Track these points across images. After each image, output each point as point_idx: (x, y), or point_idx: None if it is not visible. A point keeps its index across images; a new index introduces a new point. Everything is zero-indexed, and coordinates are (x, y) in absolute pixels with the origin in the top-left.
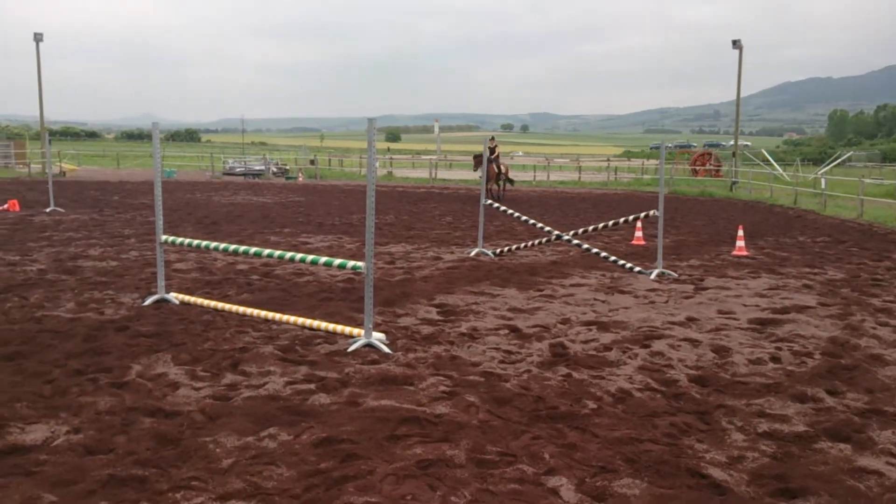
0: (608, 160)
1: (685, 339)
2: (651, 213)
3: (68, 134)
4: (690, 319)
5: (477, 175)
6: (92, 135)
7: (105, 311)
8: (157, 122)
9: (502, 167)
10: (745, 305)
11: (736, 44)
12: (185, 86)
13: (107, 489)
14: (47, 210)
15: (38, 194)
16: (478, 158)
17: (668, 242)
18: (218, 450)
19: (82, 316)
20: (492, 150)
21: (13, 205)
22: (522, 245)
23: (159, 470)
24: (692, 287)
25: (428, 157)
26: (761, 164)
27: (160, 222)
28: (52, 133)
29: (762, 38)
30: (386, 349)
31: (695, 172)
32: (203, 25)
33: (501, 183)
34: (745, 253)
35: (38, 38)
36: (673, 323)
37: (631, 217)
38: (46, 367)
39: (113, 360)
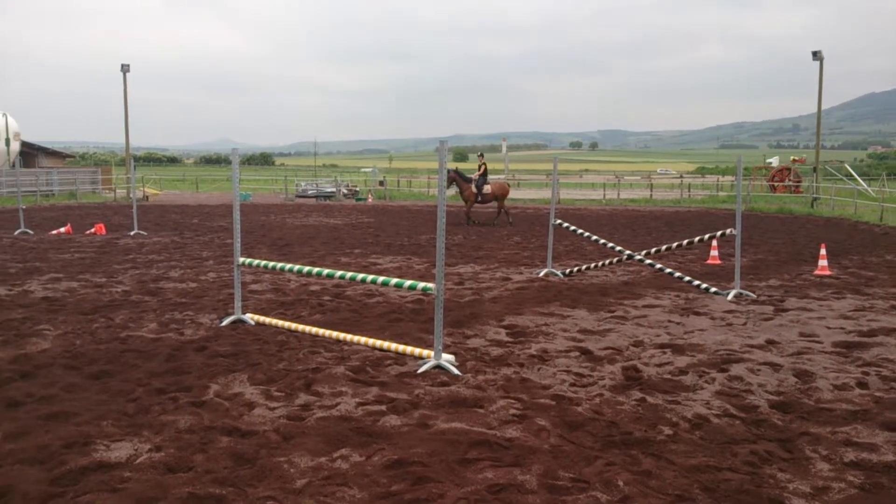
0: (681, 177)
1: (765, 363)
2: (728, 231)
3: (151, 160)
4: (770, 342)
5: (452, 192)
6: (172, 160)
7: (185, 331)
8: (237, 148)
9: (487, 187)
10: (828, 328)
11: (816, 55)
12: (259, 111)
13: None
14: (131, 233)
15: (123, 218)
16: (450, 175)
17: (746, 262)
18: (292, 470)
19: (164, 336)
20: (485, 168)
21: (100, 228)
22: (592, 265)
23: (236, 489)
24: (772, 308)
25: (495, 176)
26: (844, 178)
27: (238, 245)
28: (136, 159)
29: (844, 48)
30: (455, 371)
31: (773, 188)
32: (276, 52)
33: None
34: (828, 272)
35: (125, 68)
36: (752, 346)
37: (706, 236)
38: (130, 386)
39: (192, 379)
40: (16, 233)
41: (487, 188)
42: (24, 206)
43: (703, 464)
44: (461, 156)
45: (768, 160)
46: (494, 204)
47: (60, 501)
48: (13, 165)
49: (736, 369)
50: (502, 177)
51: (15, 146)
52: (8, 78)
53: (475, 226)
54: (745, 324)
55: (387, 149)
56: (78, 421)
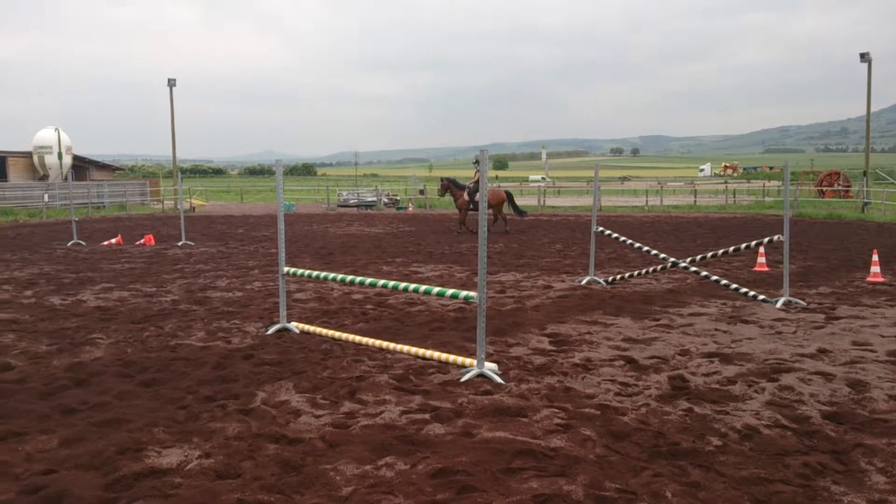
0: (725, 182)
1: (817, 373)
2: (776, 237)
3: (197, 171)
4: (822, 351)
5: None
6: (218, 171)
7: (232, 339)
8: (281, 159)
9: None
10: (882, 336)
11: (864, 57)
12: (301, 122)
13: None
14: (179, 244)
15: (171, 229)
16: (444, 183)
17: (795, 269)
18: (338, 477)
19: (212, 344)
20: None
21: (149, 239)
22: (636, 272)
23: (284, 496)
24: (823, 316)
25: (536, 183)
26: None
27: (282, 255)
28: (183, 171)
29: (893, 49)
30: (498, 379)
31: (822, 193)
32: (317, 63)
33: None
34: (881, 279)
35: (171, 83)
36: (803, 355)
37: (753, 242)
38: (180, 394)
39: (240, 387)
40: (69, 244)
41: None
42: (76, 218)
43: (754, 475)
44: (501, 164)
45: (700, 168)
46: (499, 212)
47: None
48: (66, 178)
49: (786, 379)
50: (543, 184)
51: (67, 160)
52: (59, 92)
53: (472, 234)
54: (795, 332)
55: (426, 157)
56: (130, 427)
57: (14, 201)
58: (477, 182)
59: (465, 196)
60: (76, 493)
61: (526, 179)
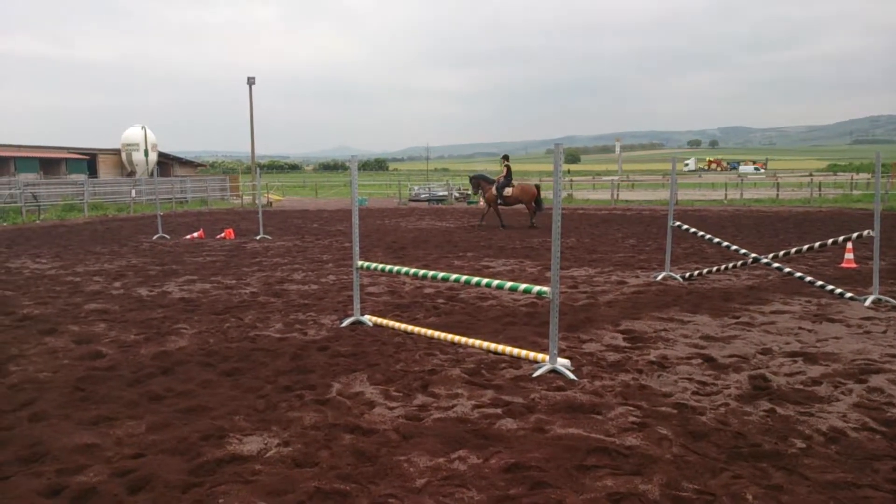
0: (811, 175)
1: None
2: (866, 232)
3: (273, 167)
4: None
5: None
6: (294, 167)
7: (308, 331)
8: (356, 155)
9: (508, 189)
10: None
11: None
12: (374, 117)
13: (313, 501)
14: (257, 238)
15: (250, 223)
16: (474, 180)
17: (886, 265)
18: (412, 469)
19: (289, 336)
20: (508, 170)
21: (229, 233)
22: (714, 269)
23: (359, 485)
24: None
25: (609, 177)
26: None
27: (356, 249)
28: (260, 167)
29: None
30: (571, 376)
31: None
32: (387, 59)
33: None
34: None
35: (250, 81)
36: (893, 356)
37: (840, 238)
38: (259, 383)
39: (316, 378)
40: (154, 238)
41: (508, 190)
42: (161, 213)
43: (841, 480)
44: (573, 157)
45: (685, 162)
46: (530, 206)
47: (199, 491)
48: (151, 174)
49: (875, 380)
50: (616, 177)
51: (153, 157)
52: (145, 90)
53: (502, 228)
54: (885, 332)
55: (497, 152)
56: (213, 415)
57: (104, 196)
58: (505, 177)
59: (493, 190)
60: (163, 476)
61: (597, 174)
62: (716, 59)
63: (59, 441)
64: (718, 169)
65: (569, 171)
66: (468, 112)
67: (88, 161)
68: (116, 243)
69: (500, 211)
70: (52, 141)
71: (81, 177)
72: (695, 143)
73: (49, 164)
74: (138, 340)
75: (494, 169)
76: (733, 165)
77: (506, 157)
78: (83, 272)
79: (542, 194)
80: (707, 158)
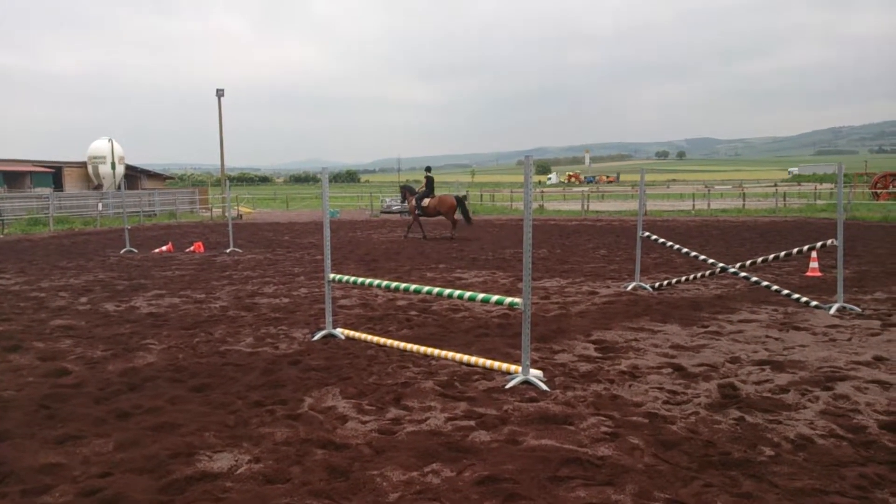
0: (775, 185)
1: (873, 381)
2: (829, 242)
3: (244, 179)
4: (878, 359)
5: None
6: (264, 179)
7: (279, 345)
8: (327, 167)
9: (426, 201)
10: None
11: None
12: (345, 129)
13: None
14: (227, 251)
15: (219, 236)
16: (402, 190)
17: (849, 273)
18: (385, 483)
19: (260, 350)
20: (428, 182)
21: (198, 247)
22: (683, 278)
23: (332, 501)
24: (879, 323)
25: (580, 188)
26: None
27: (328, 261)
28: (230, 179)
29: None
30: (544, 387)
31: (876, 196)
32: (358, 71)
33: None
34: None
35: (219, 93)
36: (858, 363)
37: (805, 247)
38: (230, 399)
39: (288, 392)
40: (122, 251)
41: (426, 201)
42: (129, 226)
43: (809, 487)
44: (544, 168)
45: (549, 176)
46: (449, 217)
47: None
48: (119, 188)
49: (841, 387)
50: (587, 188)
51: (120, 169)
52: (111, 102)
53: (423, 239)
54: (849, 339)
55: (469, 163)
56: (182, 432)
57: (70, 210)
58: (425, 188)
59: (413, 201)
60: (132, 495)
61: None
62: (680, 71)
63: (24, 461)
64: (577, 183)
65: (540, 183)
66: (439, 123)
67: (54, 174)
68: (83, 258)
69: (422, 222)
70: (15, 154)
71: (46, 190)
72: (662, 154)
73: (13, 177)
74: (105, 357)
75: (465, 180)
76: (589, 179)
77: (428, 169)
78: (48, 287)
79: (514, 205)
80: (567, 173)
